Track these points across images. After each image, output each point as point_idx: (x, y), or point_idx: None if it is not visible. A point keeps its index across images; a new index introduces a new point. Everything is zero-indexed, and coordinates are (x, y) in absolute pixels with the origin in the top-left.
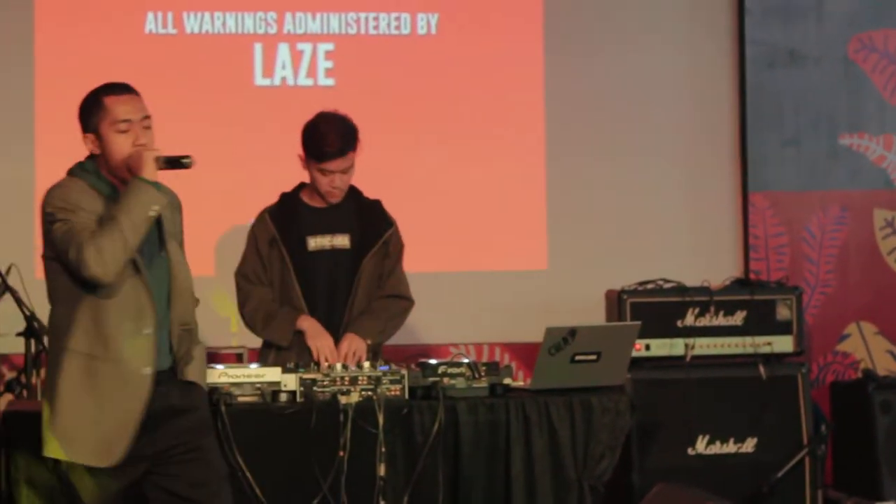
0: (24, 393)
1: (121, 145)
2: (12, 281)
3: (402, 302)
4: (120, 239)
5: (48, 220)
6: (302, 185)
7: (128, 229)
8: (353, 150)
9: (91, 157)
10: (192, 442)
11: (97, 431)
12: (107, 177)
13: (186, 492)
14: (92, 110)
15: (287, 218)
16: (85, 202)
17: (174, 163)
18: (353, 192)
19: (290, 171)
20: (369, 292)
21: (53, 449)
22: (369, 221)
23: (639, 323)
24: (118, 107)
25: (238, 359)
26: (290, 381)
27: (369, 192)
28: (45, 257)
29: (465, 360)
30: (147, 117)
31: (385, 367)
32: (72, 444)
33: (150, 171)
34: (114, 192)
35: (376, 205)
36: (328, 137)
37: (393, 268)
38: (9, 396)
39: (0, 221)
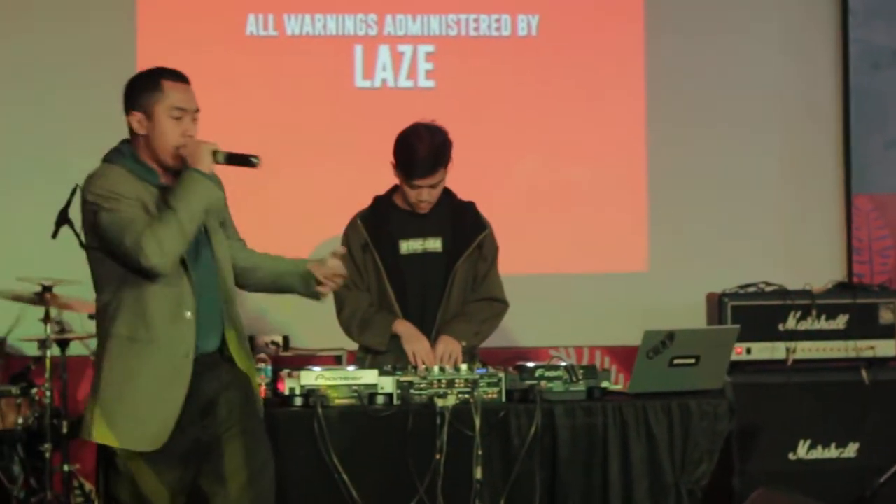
0: None
1: (172, 131)
2: None
3: (497, 305)
4: (179, 230)
5: (91, 210)
6: (395, 188)
7: (186, 220)
8: (444, 167)
9: (126, 141)
10: (238, 424)
11: (141, 415)
12: (146, 161)
13: (231, 473)
14: (147, 90)
15: (379, 222)
16: (127, 189)
17: (241, 160)
18: (446, 195)
19: (389, 174)
20: (463, 295)
21: (101, 434)
22: (462, 225)
23: (738, 326)
24: (176, 93)
25: (337, 361)
26: (387, 384)
27: (469, 194)
28: (88, 247)
29: (563, 364)
30: (197, 110)
31: (482, 370)
32: (116, 427)
33: (206, 164)
34: (153, 176)
35: (469, 207)
36: (418, 154)
37: (487, 271)
38: None
39: None
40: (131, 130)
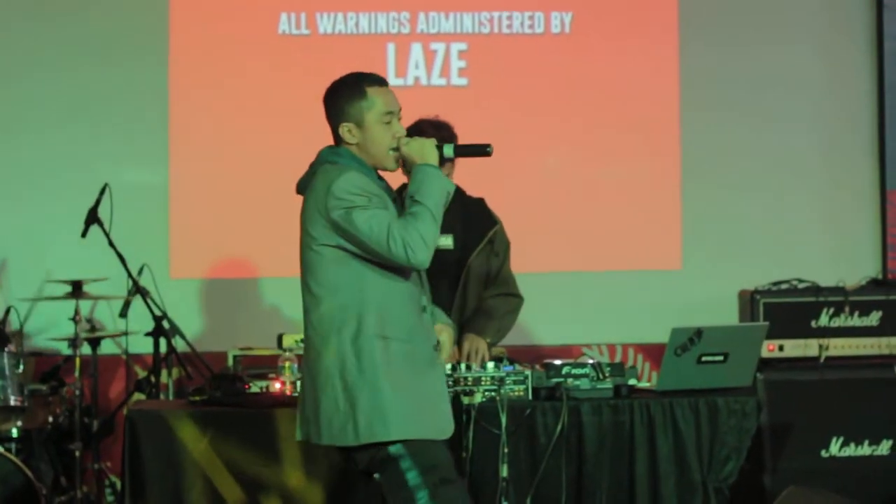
0: (154, 392)
1: (384, 136)
2: (144, 281)
3: (513, 300)
4: (434, 223)
5: (340, 207)
6: (406, 186)
7: (437, 214)
8: (449, 161)
9: (337, 146)
10: None
11: (428, 406)
12: (365, 162)
13: None
14: (353, 99)
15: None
16: (373, 187)
17: (473, 150)
18: (457, 192)
19: None
20: (477, 291)
21: (396, 430)
22: (473, 220)
23: (766, 324)
24: (382, 97)
25: None
26: None
27: (500, 190)
28: (319, 245)
29: (590, 361)
30: (400, 109)
31: (509, 368)
32: (408, 421)
33: (434, 159)
34: (375, 177)
35: (479, 203)
36: None
37: (500, 266)
38: (140, 396)
39: (135, 223)
40: (340, 139)
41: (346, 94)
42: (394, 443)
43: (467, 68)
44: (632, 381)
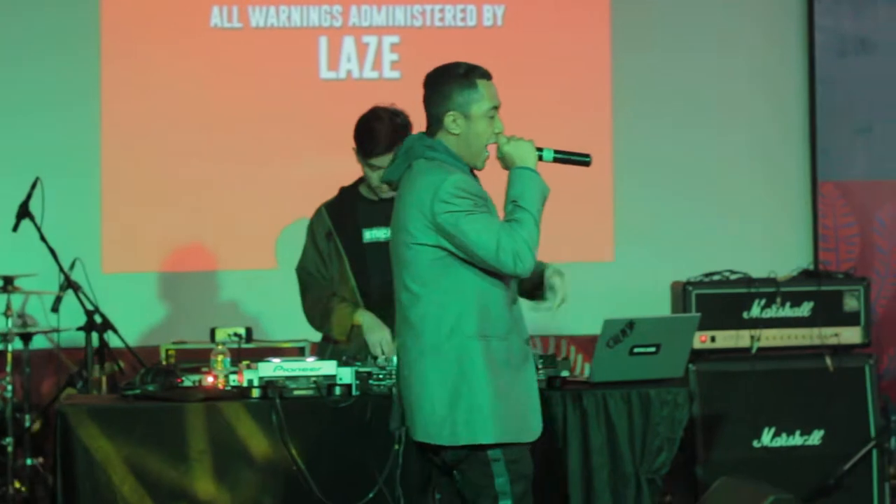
0: (85, 387)
1: (486, 131)
2: (76, 276)
3: None
4: (537, 230)
5: (447, 212)
6: (362, 178)
7: (538, 219)
8: None
9: (429, 135)
10: None
11: (522, 408)
12: (461, 158)
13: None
14: (465, 89)
15: (344, 211)
16: (477, 188)
17: (571, 158)
18: None
19: (354, 165)
20: None
21: (496, 433)
22: None
23: (698, 315)
24: (490, 92)
25: (301, 352)
26: (346, 375)
27: None
28: (417, 244)
29: None
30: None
31: None
32: (505, 423)
33: (533, 162)
34: (469, 174)
35: None
36: (376, 133)
37: None
38: (71, 391)
39: (67, 218)
40: (439, 129)
41: (455, 82)
42: (492, 446)
43: (400, 61)
44: (564, 373)
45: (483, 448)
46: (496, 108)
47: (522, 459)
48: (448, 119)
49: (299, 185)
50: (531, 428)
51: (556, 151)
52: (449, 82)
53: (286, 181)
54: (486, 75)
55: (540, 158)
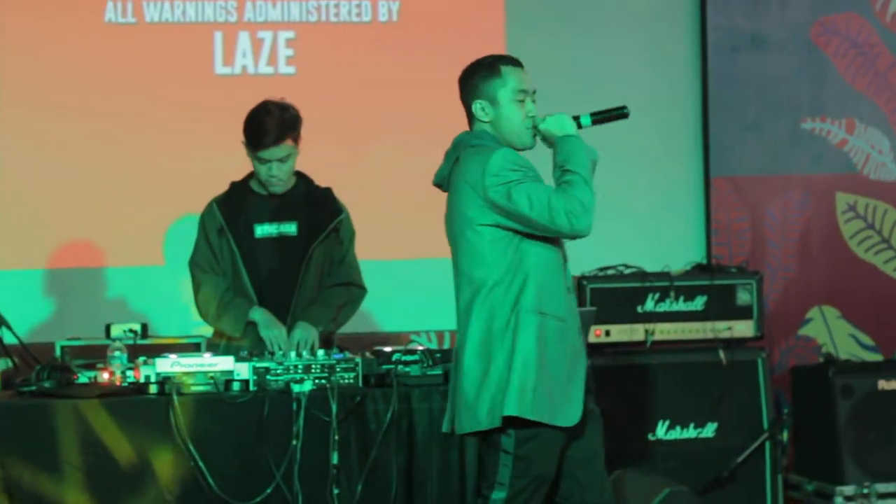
0: None
1: (516, 115)
2: None
3: (354, 290)
4: (589, 190)
5: (497, 185)
6: (252, 173)
7: (589, 180)
8: (292, 140)
9: (472, 130)
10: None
11: (571, 390)
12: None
13: (593, 453)
14: (488, 77)
15: (235, 207)
16: (525, 161)
17: (610, 115)
18: (304, 180)
19: (249, 160)
20: (318, 280)
21: (522, 408)
22: (318, 209)
23: (595, 308)
24: (515, 77)
25: (197, 348)
26: (243, 371)
27: (329, 180)
28: (478, 226)
29: (420, 348)
30: (535, 91)
31: (339, 356)
32: (549, 403)
33: (573, 128)
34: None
35: (326, 192)
36: (264, 126)
37: (343, 256)
38: None
39: None
40: (474, 121)
41: (480, 73)
42: (509, 434)
43: (295, 57)
44: None
45: (500, 434)
46: (524, 91)
47: (535, 457)
48: (476, 108)
49: (194, 181)
50: (568, 413)
51: (593, 114)
52: (474, 75)
53: (181, 176)
54: (513, 62)
55: (579, 126)
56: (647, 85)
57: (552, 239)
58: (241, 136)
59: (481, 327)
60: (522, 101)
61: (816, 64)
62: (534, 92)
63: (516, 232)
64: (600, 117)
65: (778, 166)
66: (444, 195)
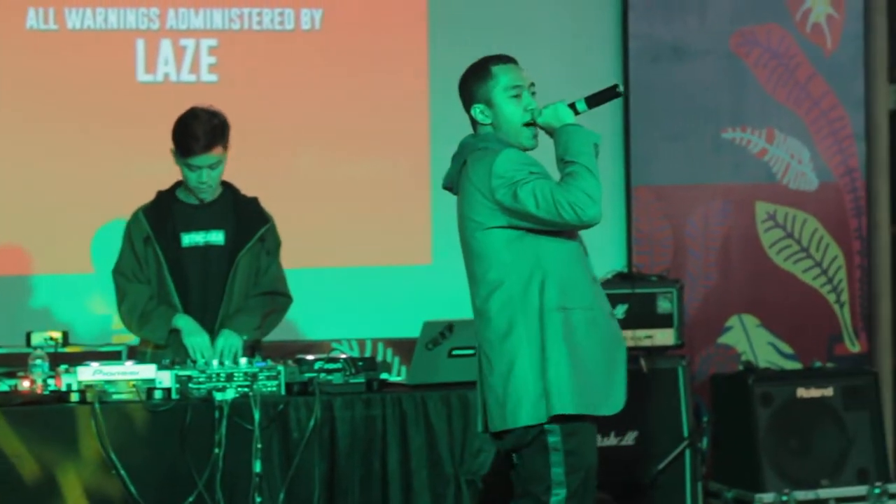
0: None
1: (514, 111)
2: None
3: (280, 299)
4: (594, 178)
5: (503, 186)
6: (179, 183)
7: (593, 167)
8: (222, 147)
9: (476, 132)
10: None
11: (595, 379)
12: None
13: None
14: (479, 80)
15: (161, 215)
16: (531, 159)
17: (603, 97)
18: (230, 190)
19: (173, 168)
20: (245, 289)
21: (561, 405)
22: (245, 218)
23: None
24: (508, 73)
25: (118, 357)
26: (166, 378)
27: (253, 188)
28: (487, 229)
29: (342, 356)
30: (532, 84)
31: (262, 364)
32: (583, 396)
33: (571, 117)
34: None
35: (253, 202)
36: (194, 132)
37: (269, 265)
38: None
39: None
40: (476, 125)
41: (473, 77)
42: (555, 432)
43: (217, 65)
44: (384, 376)
45: (545, 433)
46: (518, 86)
47: (582, 450)
48: (475, 112)
49: (118, 189)
50: (611, 401)
51: (587, 99)
52: (468, 80)
53: (104, 184)
54: (504, 59)
55: (576, 112)
56: (569, 93)
57: (567, 232)
58: (164, 144)
59: (503, 329)
60: (518, 97)
61: (737, 74)
62: (531, 84)
63: (529, 230)
64: (596, 101)
65: (699, 176)
66: (370, 203)
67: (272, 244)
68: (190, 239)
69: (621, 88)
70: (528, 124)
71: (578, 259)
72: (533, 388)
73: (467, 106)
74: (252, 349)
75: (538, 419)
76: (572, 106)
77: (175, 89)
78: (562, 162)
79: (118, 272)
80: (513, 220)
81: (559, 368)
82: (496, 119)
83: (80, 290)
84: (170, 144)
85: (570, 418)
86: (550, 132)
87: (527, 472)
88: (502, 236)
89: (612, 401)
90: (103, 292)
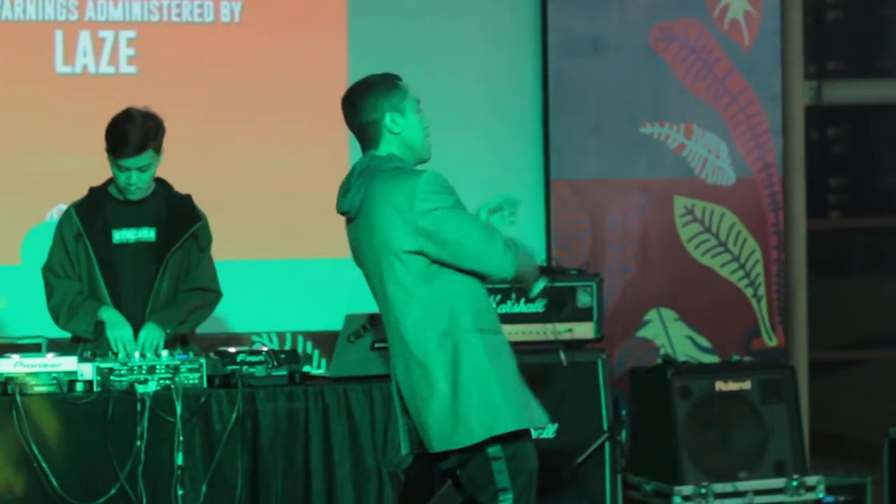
0: None
1: (419, 124)
2: None
3: (209, 294)
4: (530, 256)
5: (428, 210)
6: (111, 179)
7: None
8: (154, 150)
9: (375, 151)
10: None
11: (518, 397)
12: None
13: None
14: (392, 91)
15: (93, 212)
16: (448, 184)
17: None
18: (163, 187)
19: (91, 161)
20: (175, 286)
21: (511, 422)
22: (177, 215)
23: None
24: (409, 89)
25: (38, 349)
26: (87, 371)
27: (173, 180)
28: (403, 253)
29: (264, 349)
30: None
31: (184, 356)
32: (519, 411)
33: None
34: None
35: (186, 199)
36: (126, 135)
37: (200, 261)
38: None
39: None
40: (380, 136)
41: (380, 87)
42: (494, 442)
43: (136, 57)
44: (306, 368)
45: (483, 446)
46: (418, 102)
47: (523, 455)
48: (387, 121)
49: (36, 182)
50: (536, 414)
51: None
52: (373, 92)
53: (22, 177)
54: (399, 77)
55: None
56: (488, 87)
57: None
58: (84, 137)
59: (432, 348)
60: (421, 112)
61: (655, 69)
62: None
63: (435, 261)
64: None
65: (617, 170)
66: (291, 195)
67: (205, 241)
68: (121, 236)
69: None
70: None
71: (481, 283)
72: (477, 407)
73: (375, 115)
74: (184, 342)
75: (486, 435)
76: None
77: (93, 81)
78: None
79: (48, 269)
80: (426, 245)
81: (494, 386)
82: (405, 128)
83: (10, 283)
84: (89, 137)
85: (512, 434)
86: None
87: (472, 484)
88: (417, 261)
89: (540, 412)
90: (28, 286)
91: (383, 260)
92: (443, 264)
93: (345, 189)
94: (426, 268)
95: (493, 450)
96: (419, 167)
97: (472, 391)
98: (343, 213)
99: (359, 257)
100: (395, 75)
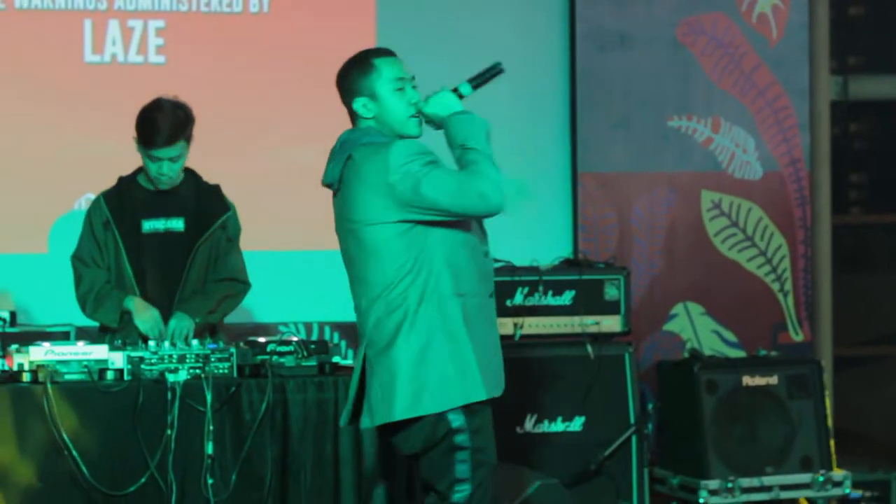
0: None
1: (398, 104)
2: None
3: (237, 284)
4: (493, 165)
5: (404, 180)
6: (141, 168)
7: (491, 153)
8: (185, 140)
9: (357, 127)
10: None
11: (494, 362)
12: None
13: None
14: (363, 73)
15: (122, 201)
16: (423, 147)
17: (486, 76)
18: (192, 176)
19: (120, 150)
20: (202, 276)
21: (476, 391)
22: (206, 205)
23: None
24: (392, 67)
25: (66, 337)
26: (118, 359)
27: (198, 170)
28: (377, 224)
29: (294, 339)
30: (413, 77)
31: (214, 345)
32: (482, 379)
33: (458, 104)
34: None
35: (215, 189)
36: (157, 125)
37: (229, 251)
38: None
39: None
40: (357, 120)
41: (354, 70)
42: (461, 423)
43: (165, 46)
44: (336, 359)
45: (451, 434)
46: (402, 79)
47: (487, 447)
48: (358, 106)
49: (66, 170)
50: (502, 382)
51: (470, 80)
52: (348, 74)
53: (51, 165)
54: (385, 52)
55: (461, 97)
56: (516, 82)
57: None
58: (112, 125)
59: (396, 320)
60: (402, 90)
61: (683, 63)
62: (412, 77)
63: (419, 222)
64: (478, 81)
65: (645, 163)
66: (318, 186)
67: (233, 231)
68: (150, 225)
69: (502, 66)
70: (413, 117)
71: (464, 244)
72: (444, 373)
73: (348, 99)
74: (211, 332)
75: (451, 404)
76: (456, 91)
77: (123, 70)
78: (460, 149)
79: (76, 258)
80: (410, 215)
81: (467, 354)
82: (380, 113)
83: (38, 271)
84: (117, 126)
85: (475, 405)
86: (438, 123)
87: (430, 470)
88: (391, 231)
89: (502, 382)
90: (57, 273)
91: (354, 235)
92: (418, 223)
93: (328, 162)
94: (401, 236)
95: (459, 438)
96: (395, 140)
97: (449, 356)
98: (326, 186)
99: (337, 227)
100: (377, 51)
